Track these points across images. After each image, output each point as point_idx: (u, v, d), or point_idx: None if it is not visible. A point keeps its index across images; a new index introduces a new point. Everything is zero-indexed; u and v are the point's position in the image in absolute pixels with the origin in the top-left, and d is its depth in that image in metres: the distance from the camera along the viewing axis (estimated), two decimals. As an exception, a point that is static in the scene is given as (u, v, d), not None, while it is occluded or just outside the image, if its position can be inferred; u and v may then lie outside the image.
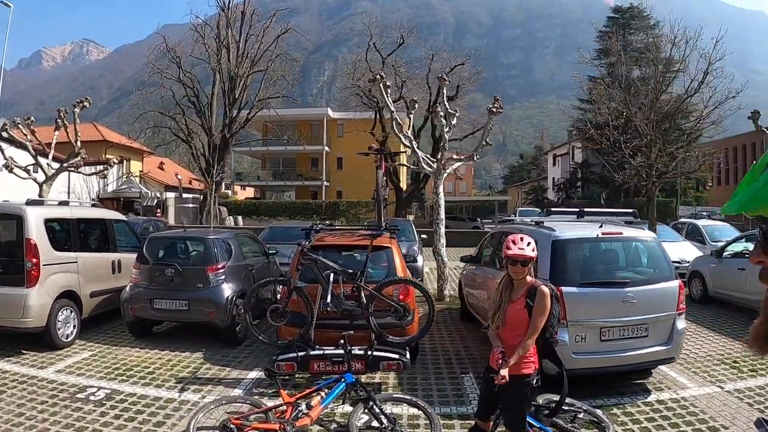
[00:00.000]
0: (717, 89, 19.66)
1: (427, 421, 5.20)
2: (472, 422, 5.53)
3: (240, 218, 35.84)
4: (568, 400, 5.24)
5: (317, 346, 5.97)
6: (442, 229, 12.65)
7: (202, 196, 28.48)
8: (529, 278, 4.02)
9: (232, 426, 4.64)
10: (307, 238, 6.60)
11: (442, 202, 12.63)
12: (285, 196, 51.14)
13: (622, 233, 6.82)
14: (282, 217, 38.18)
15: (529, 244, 3.94)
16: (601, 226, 6.79)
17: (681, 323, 6.62)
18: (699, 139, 23.82)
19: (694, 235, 17.36)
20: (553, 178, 61.42)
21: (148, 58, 30.73)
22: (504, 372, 3.72)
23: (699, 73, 19.86)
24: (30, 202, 8.44)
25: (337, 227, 9.36)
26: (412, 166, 15.52)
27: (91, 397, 6.15)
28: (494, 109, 12.56)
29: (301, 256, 6.25)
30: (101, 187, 33.43)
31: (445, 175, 12.86)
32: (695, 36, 21.63)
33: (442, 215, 12.69)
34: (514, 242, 3.96)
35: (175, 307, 8.24)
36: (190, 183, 44.99)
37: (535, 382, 3.97)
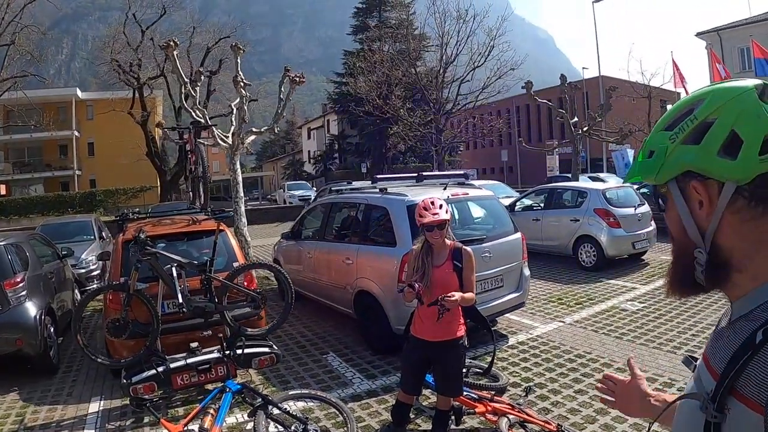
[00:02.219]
0: (501, 61, 22.31)
1: (329, 410, 4.86)
2: (368, 402, 5.41)
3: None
4: None
5: (168, 357, 5.06)
6: (242, 208, 12.06)
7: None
8: (448, 241, 3.98)
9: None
10: (121, 228, 5.55)
11: (240, 179, 11.96)
12: (32, 190, 44.28)
13: (468, 194, 7.04)
14: (34, 215, 33.54)
15: (441, 206, 3.87)
16: (445, 188, 6.91)
17: (526, 270, 7.21)
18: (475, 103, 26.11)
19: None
20: (309, 151, 62.66)
21: None
22: (458, 296, 3.65)
23: (483, 47, 22.23)
24: None
25: (148, 213, 8.21)
26: (204, 143, 14.49)
27: None
28: (297, 79, 12.15)
29: (140, 250, 5.23)
30: None
31: (242, 150, 12.21)
32: (482, 13, 24.06)
33: (242, 193, 12.12)
34: (426, 208, 3.87)
35: (-33, 341, 6.47)
36: None
37: (466, 342, 4.00)
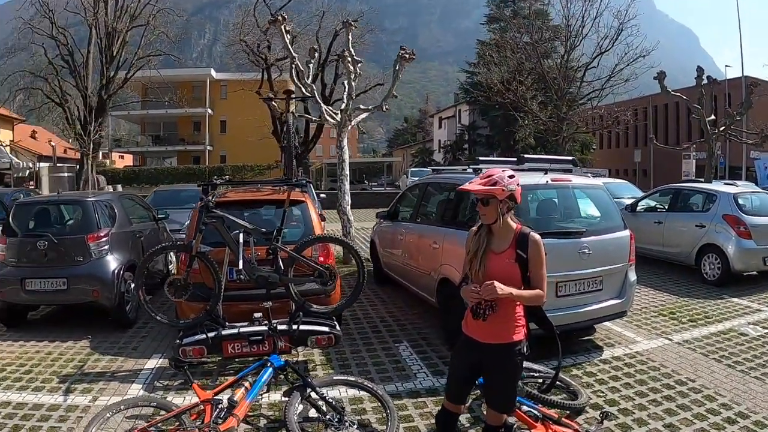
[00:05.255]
0: (631, 46, 20.45)
1: (375, 404, 4.38)
2: (425, 400, 4.86)
3: (120, 187, 33.10)
4: (526, 364, 4.59)
5: (227, 324, 4.92)
6: (347, 186, 11.66)
7: (78, 165, 25.71)
8: (514, 223, 3.21)
9: (135, 440, 3.56)
10: (206, 193, 5.42)
11: (346, 157, 11.62)
12: (166, 163, 47.90)
13: (571, 180, 6.22)
14: (165, 185, 35.98)
15: (489, 177, 3.14)
16: (546, 173, 6.15)
17: (632, 275, 6.26)
18: (606, 97, 24.57)
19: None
20: (440, 141, 62.04)
21: (18, 11, 27.28)
22: (499, 286, 2.95)
23: (611, 30, 20.53)
24: None
25: (239, 181, 8.08)
26: (314, 119, 14.35)
27: (-46, 415, 4.72)
28: (406, 56, 11.66)
29: (205, 214, 5.04)
30: (-35, 159, 29.66)
31: (350, 127, 11.87)
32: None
33: (347, 171, 11.68)
34: (481, 178, 3.18)
35: (52, 287, 6.70)
36: (66, 152, 41.19)
37: (525, 349, 3.21)
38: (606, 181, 18.62)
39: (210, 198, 5.21)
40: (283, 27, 11.21)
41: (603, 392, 4.96)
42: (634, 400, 4.78)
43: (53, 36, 26.48)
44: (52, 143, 33.14)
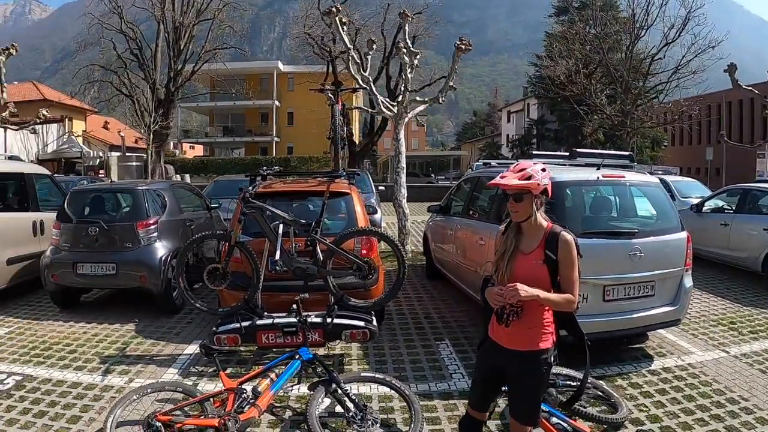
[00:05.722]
0: (699, 36, 19.46)
1: (403, 404, 4.26)
2: (456, 402, 4.71)
3: (187, 176, 34.09)
4: (564, 371, 4.38)
5: (266, 314, 4.96)
6: (403, 179, 11.56)
7: (147, 155, 26.67)
8: (543, 221, 2.97)
9: (157, 424, 3.59)
10: (251, 184, 5.46)
11: (403, 149, 11.51)
12: (234, 153, 49.33)
13: (624, 177, 5.89)
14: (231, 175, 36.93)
15: (522, 170, 2.89)
16: (598, 169, 5.85)
17: (688, 281, 5.84)
18: (671, 92, 23.58)
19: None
20: (508, 135, 61.13)
21: (87, 8, 28.51)
22: (523, 288, 2.73)
23: (678, 20, 19.56)
24: (-77, 155, 7.00)
25: (285, 172, 8.11)
26: (369, 110, 14.32)
27: (-1, 387, 4.98)
28: (462, 46, 11.43)
29: (244, 204, 5.11)
30: (40, 147, 31.20)
31: (407, 119, 11.77)
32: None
33: (403, 163, 11.59)
34: (511, 170, 2.96)
35: (102, 271, 6.97)
36: (136, 142, 42.78)
37: (552, 359, 2.99)
38: (674, 180, 17.87)
39: (250, 188, 5.27)
40: (338, 18, 11.20)
41: (646, 406, 4.63)
42: (679, 417, 4.43)
43: (122, 31, 27.57)
44: (122, 133, 34.46)
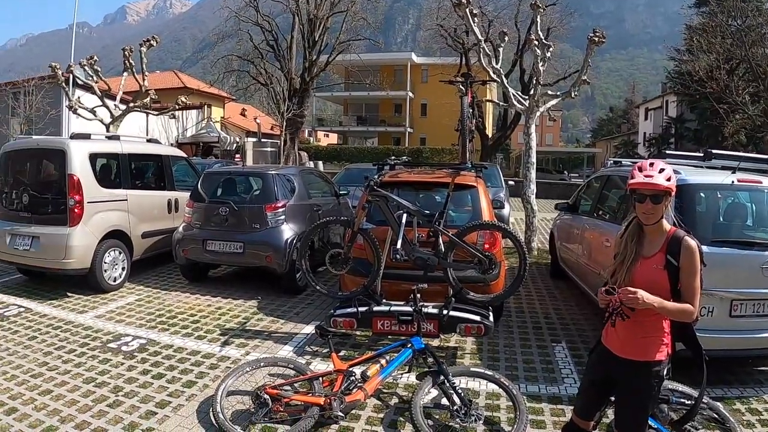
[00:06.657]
0: None
1: (510, 403, 4.10)
2: (564, 408, 4.47)
3: (321, 163, 35.32)
4: (680, 388, 3.98)
5: (384, 301, 5.01)
6: (533, 174, 11.15)
7: (281, 141, 27.91)
8: (666, 225, 2.73)
9: (265, 396, 3.71)
10: (378, 173, 5.50)
11: (533, 144, 11.11)
12: (367, 143, 50.67)
13: (762, 182, 5.26)
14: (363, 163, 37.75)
15: (662, 171, 2.65)
16: (734, 172, 5.25)
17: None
18: None
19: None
20: (644, 133, 57.24)
21: (225, 1, 30.31)
22: (644, 296, 2.53)
23: None
24: (74, 136, 7.71)
25: (412, 162, 8.08)
26: (501, 103, 13.99)
27: (123, 347, 5.41)
28: (596, 39, 10.83)
29: (369, 192, 5.17)
30: (180, 131, 33.62)
31: (539, 113, 11.37)
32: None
33: (533, 158, 11.16)
34: (640, 169, 2.70)
35: (230, 249, 7.39)
36: (272, 129, 44.85)
37: (665, 372, 2.75)
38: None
39: (376, 177, 5.33)
40: (468, 10, 11.00)
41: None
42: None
43: (258, 23, 28.94)
44: (258, 120, 36.25)
